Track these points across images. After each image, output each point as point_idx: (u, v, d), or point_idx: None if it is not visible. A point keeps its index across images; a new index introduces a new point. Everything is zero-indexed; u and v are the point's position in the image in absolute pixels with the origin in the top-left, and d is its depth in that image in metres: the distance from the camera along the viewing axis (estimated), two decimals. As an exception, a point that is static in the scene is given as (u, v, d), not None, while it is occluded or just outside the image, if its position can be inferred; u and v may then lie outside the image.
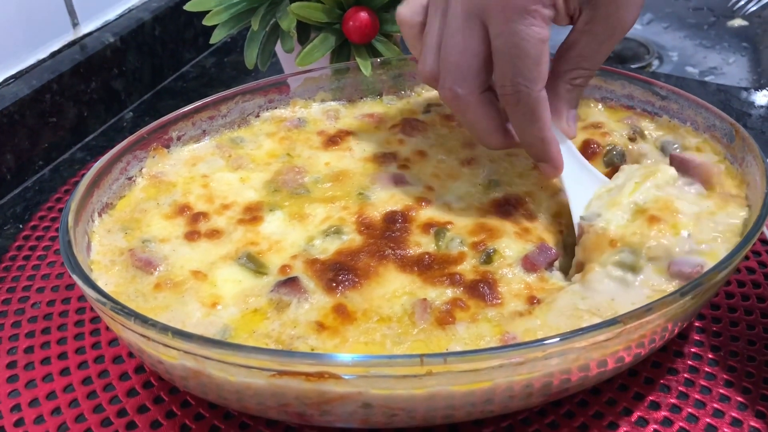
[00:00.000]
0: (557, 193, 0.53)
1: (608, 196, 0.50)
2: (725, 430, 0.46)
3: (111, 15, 0.81)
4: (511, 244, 0.49)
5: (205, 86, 0.85)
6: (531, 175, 0.55)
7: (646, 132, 0.58)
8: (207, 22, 0.63)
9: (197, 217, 0.52)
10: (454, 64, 0.48)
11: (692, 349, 0.51)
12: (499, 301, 0.45)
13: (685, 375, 0.49)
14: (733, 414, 0.47)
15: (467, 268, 0.47)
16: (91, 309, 0.55)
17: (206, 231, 0.50)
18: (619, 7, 0.47)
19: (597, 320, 0.42)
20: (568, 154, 0.52)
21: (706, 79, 1.14)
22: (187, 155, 0.57)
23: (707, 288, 0.42)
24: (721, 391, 0.48)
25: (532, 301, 0.45)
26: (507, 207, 0.52)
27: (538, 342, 0.38)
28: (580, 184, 0.51)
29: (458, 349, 0.42)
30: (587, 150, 0.56)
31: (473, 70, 0.47)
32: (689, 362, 0.50)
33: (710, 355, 0.51)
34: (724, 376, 0.49)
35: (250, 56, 0.64)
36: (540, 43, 0.45)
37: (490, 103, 0.49)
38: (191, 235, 0.50)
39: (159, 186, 0.55)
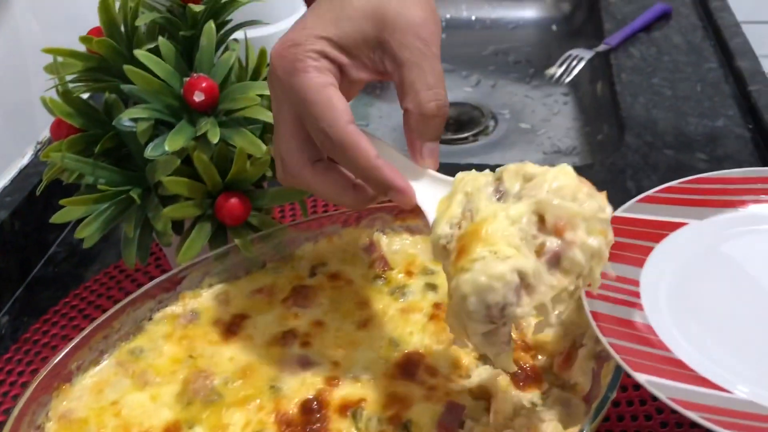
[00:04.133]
0: (452, 343, 0.58)
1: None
2: None
3: (-36, 221, 0.78)
4: (423, 409, 0.52)
5: (78, 266, 0.83)
6: (425, 328, 0.59)
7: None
8: (79, 234, 0.63)
9: (118, 455, 0.52)
10: (281, 153, 0.53)
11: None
12: (430, 478, 0.49)
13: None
14: None
15: (392, 448, 0.51)
16: None
17: (131, 469, 0.51)
18: (405, 27, 0.50)
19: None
20: (427, 179, 0.52)
21: (539, 132, 1.22)
22: (90, 383, 0.57)
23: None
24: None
25: (460, 470, 0.49)
26: (409, 368, 0.56)
27: None
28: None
29: None
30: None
31: (293, 148, 0.52)
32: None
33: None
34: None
35: (129, 258, 0.64)
36: (322, 88, 0.49)
37: (326, 170, 0.53)
38: (117, 479, 0.50)
39: (70, 427, 0.54)
